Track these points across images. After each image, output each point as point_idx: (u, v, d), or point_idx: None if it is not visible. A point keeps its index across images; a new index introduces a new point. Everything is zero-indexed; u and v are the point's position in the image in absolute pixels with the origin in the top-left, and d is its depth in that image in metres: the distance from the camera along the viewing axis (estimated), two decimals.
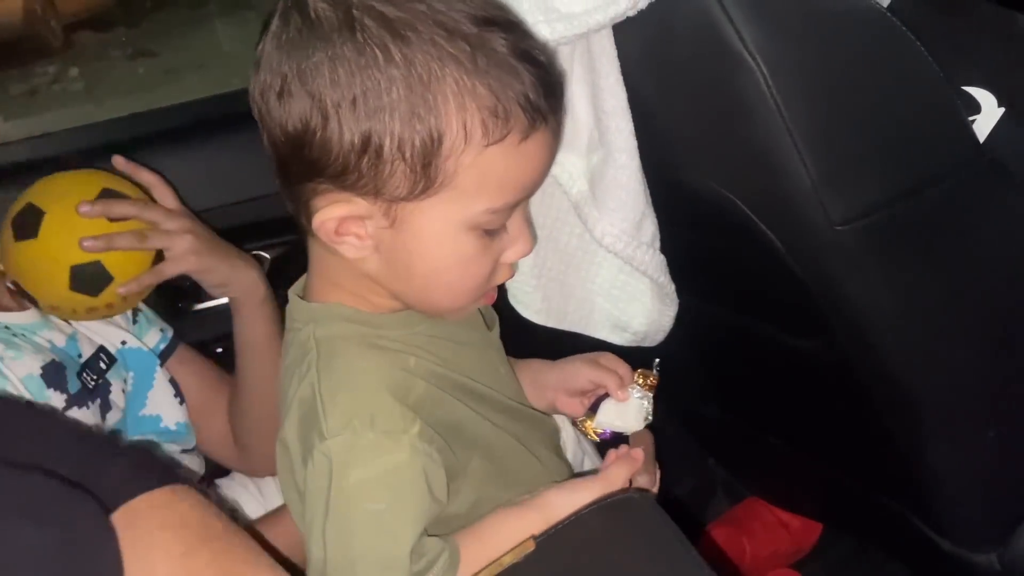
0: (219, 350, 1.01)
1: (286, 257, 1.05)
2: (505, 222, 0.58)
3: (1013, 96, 0.68)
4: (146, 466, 0.52)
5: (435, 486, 0.58)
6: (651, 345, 0.85)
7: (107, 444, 0.60)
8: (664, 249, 0.77)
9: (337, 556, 0.57)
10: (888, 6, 0.64)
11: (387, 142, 0.52)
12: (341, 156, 0.53)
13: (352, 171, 0.53)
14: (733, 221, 0.68)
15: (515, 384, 0.73)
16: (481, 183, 0.54)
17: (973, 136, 0.66)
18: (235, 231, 0.94)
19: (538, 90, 0.54)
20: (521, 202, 0.58)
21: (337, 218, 0.56)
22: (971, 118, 0.68)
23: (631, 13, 0.63)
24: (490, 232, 0.58)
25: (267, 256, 1.05)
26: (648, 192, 0.75)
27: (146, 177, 0.87)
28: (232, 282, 0.87)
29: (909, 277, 0.67)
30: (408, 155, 0.52)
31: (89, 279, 0.80)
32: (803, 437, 0.89)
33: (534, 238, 0.62)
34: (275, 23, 0.54)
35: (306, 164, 0.54)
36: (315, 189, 0.56)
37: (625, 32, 0.65)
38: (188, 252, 0.84)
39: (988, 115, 0.68)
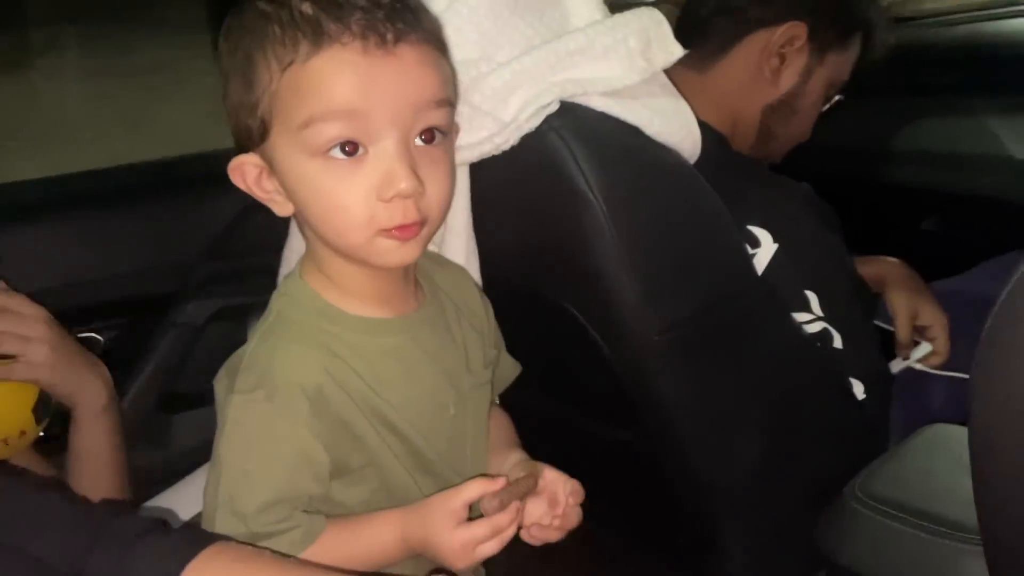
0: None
1: (120, 340, 1.04)
2: (345, 142, 0.61)
3: (782, 235, 0.86)
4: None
5: (312, 470, 0.65)
6: None
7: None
8: (510, 348, 0.87)
9: (210, 492, 0.65)
10: (693, 164, 0.80)
11: (234, 102, 0.64)
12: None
13: (236, 131, 0.66)
14: (569, 326, 0.80)
15: (464, 435, 0.75)
16: (288, 105, 0.62)
17: (753, 267, 0.84)
18: (68, 313, 0.93)
19: (317, 10, 0.61)
20: (339, 118, 0.61)
21: (244, 177, 0.67)
22: (753, 251, 0.85)
23: (496, 152, 0.74)
24: (341, 158, 0.62)
25: (100, 339, 1.03)
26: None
27: None
28: (77, 394, 0.85)
29: (706, 378, 0.82)
30: (245, 106, 0.63)
31: None
32: (616, 516, 1.02)
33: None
34: None
35: None
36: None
37: (485, 165, 0.76)
38: (43, 364, 0.82)
39: (766, 248, 0.86)
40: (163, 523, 0.59)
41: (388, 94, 0.61)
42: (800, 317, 0.88)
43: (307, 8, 0.61)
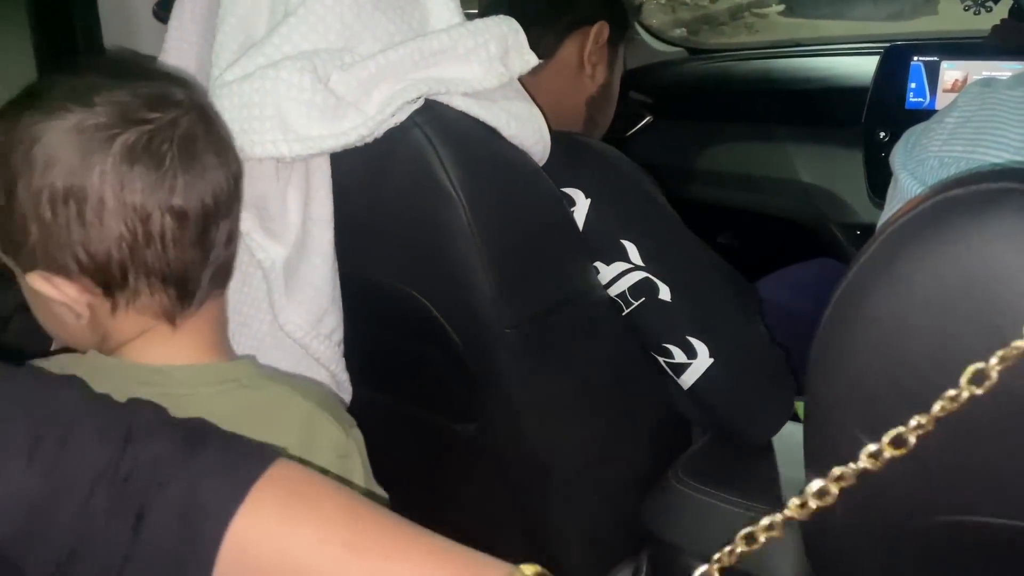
0: None
1: None
2: None
3: (593, 190, 0.90)
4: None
5: None
6: None
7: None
8: (354, 343, 0.87)
9: None
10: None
11: None
12: None
13: None
14: (423, 321, 0.82)
15: None
16: None
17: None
18: None
19: None
20: None
21: None
22: (571, 209, 0.90)
23: (359, 143, 0.75)
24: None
25: None
26: (338, 292, 0.86)
27: None
28: None
29: (550, 370, 0.86)
30: None
31: None
32: (456, 507, 1.04)
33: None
34: None
35: None
36: None
37: (347, 154, 0.76)
38: None
39: (581, 206, 0.90)
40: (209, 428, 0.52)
41: None
42: (618, 267, 0.90)
43: None
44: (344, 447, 0.72)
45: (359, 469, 0.74)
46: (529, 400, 0.86)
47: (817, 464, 0.59)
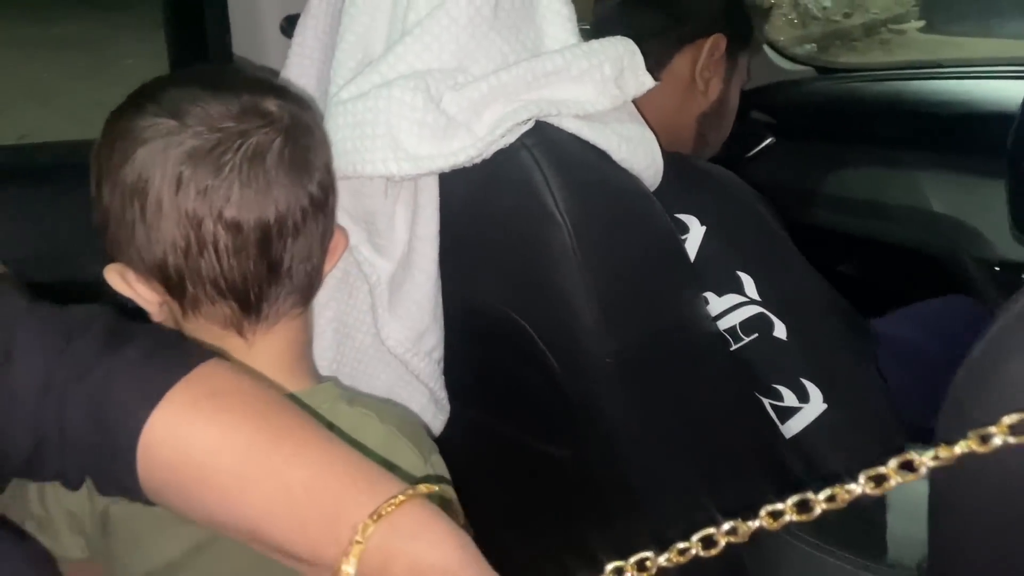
0: None
1: None
2: None
3: (709, 217, 0.88)
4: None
5: None
6: None
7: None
8: (453, 360, 0.87)
9: None
10: None
11: None
12: None
13: None
14: (522, 344, 0.81)
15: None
16: None
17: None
18: None
19: None
20: None
21: None
22: (683, 238, 0.87)
23: (468, 164, 0.74)
24: None
25: None
26: (439, 310, 0.86)
27: None
28: None
29: (649, 401, 0.83)
30: None
31: None
32: (542, 527, 1.03)
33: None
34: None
35: None
36: None
37: (455, 174, 0.76)
38: None
39: (694, 233, 0.88)
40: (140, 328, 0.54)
41: None
42: (731, 300, 0.88)
43: None
44: (422, 473, 0.71)
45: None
46: (627, 430, 0.83)
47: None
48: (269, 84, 0.70)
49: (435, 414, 0.93)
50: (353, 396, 0.75)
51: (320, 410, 0.70)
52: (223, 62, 1.09)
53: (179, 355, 0.51)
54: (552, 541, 1.05)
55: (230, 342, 0.68)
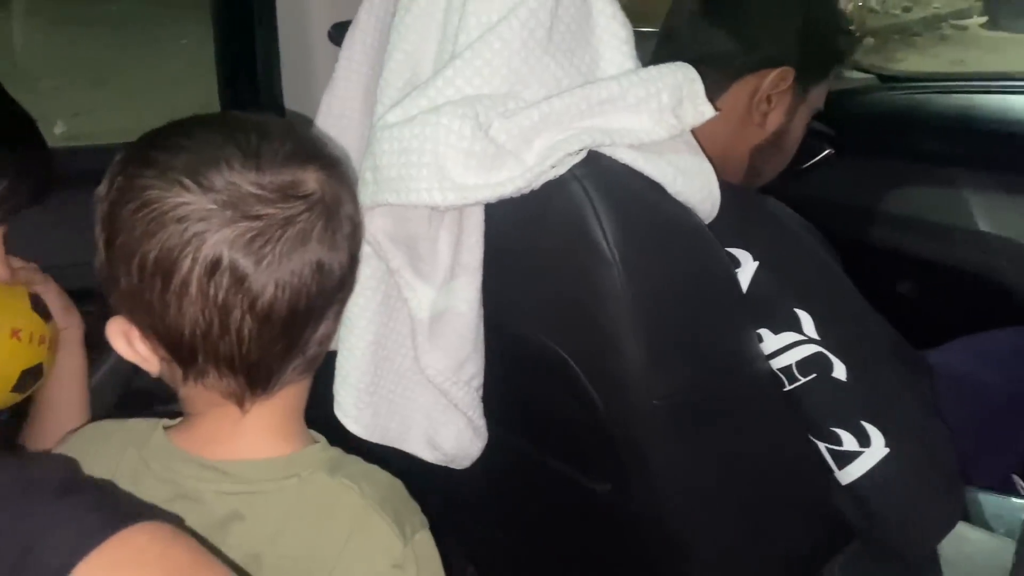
0: None
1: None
2: None
3: (762, 252, 0.83)
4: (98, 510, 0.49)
5: None
6: (459, 468, 0.92)
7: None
8: (493, 387, 0.85)
9: None
10: None
11: None
12: None
13: None
14: (566, 379, 0.78)
15: None
16: None
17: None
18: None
19: None
20: None
21: None
22: (736, 270, 0.82)
23: (515, 195, 0.71)
24: None
25: None
26: (481, 339, 0.83)
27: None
28: (71, 311, 0.92)
29: (696, 447, 0.80)
30: None
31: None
32: (581, 564, 1.00)
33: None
34: None
35: None
36: None
37: (502, 203, 0.73)
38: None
39: (747, 267, 0.83)
40: (92, 483, 0.54)
41: None
42: (788, 338, 0.84)
43: None
44: (399, 557, 0.65)
45: None
46: (671, 472, 0.80)
47: None
48: (310, 149, 0.65)
49: (472, 440, 0.90)
50: (339, 463, 0.69)
51: (301, 477, 0.67)
52: (268, 68, 1.08)
53: (114, 515, 0.50)
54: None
55: (224, 409, 0.66)
